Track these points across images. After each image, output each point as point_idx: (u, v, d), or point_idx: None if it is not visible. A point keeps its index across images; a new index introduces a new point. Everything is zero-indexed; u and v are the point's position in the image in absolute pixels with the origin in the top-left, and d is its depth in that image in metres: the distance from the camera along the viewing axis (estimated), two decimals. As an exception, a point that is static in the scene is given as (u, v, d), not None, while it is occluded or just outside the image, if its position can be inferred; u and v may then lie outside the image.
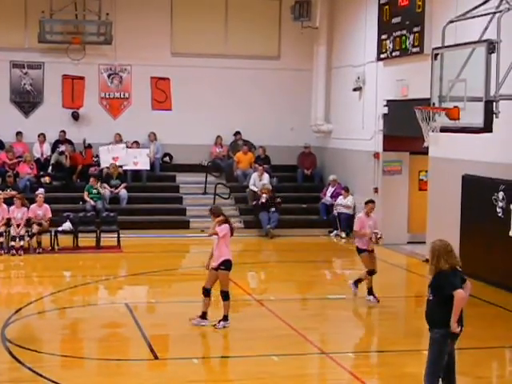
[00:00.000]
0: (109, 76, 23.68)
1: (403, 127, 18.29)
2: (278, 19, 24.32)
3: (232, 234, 12.06)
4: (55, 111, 23.20)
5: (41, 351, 10.84)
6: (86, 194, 20.98)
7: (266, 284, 16.65)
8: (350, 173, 22.12)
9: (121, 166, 22.42)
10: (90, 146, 23.00)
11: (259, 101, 24.08)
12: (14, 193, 19.88)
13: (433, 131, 13.49)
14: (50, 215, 18.73)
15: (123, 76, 23.76)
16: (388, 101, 19.96)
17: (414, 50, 18.30)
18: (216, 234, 11.85)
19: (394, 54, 19.42)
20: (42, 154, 22.88)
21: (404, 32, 18.80)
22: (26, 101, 23.26)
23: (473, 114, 12.64)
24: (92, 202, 20.73)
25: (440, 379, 8.19)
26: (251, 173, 22.82)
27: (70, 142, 22.92)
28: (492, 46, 12.33)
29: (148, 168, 22.94)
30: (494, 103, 12.42)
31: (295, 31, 23.70)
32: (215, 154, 23.90)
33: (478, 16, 13.78)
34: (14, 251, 17.97)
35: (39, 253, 18.22)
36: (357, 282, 14.17)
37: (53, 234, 18.68)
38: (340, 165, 22.78)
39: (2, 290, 15.27)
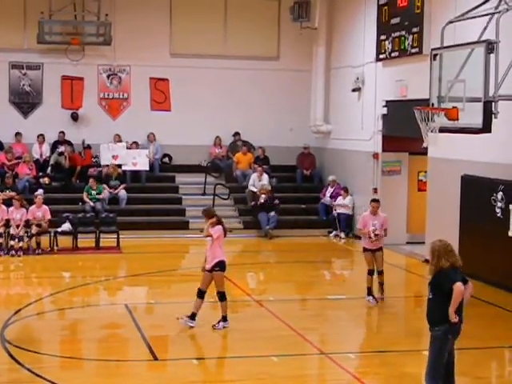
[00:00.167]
0: (108, 77, 23.68)
1: (402, 128, 18.30)
2: (277, 20, 24.33)
3: (225, 235, 12.06)
4: (54, 112, 23.20)
5: (40, 352, 10.84)
6: (85, 194, 20.98)
7: (266, 284, 16.65)
8: (349, 173, 22.12)
9: (120, 166, 22.41)
10: (89, 147, 23.00)
11: (258, 101, 24.09)
12: (13, 194, 19.87)
13: (432, 132, 13.49)
14: (49, 216, 18.73)
15: (122, 77, 23.76)
16: (387, 101, 19.97)
17: (413, 50, 18.30)
18: (210, 235, 11.85)
19: (393, 54, 19.43)
20: (41, 155, 22.88)
21: (403, 33, 18.80)
22: (25, 101, 23.26)
23: (472, 115, 12.65)
24: (91, 203, 20.73)
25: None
26: (250, 173, 22.82)
27: (69, 143, 22.92)
28: (491, 47, 12.33)
29: (147, 169, 22.94)
30: (493, 103, 12.43)
31: (294, 32, 23.70)
32: (214, 154, 23.91)
33: (477, 16, 13.79)
34: (14, 252, 17.97)
35: (38, 254, 18.22)
36: (381, 287, 14.12)
37: (52, 234, 18.69)
38: (339, 165, 22.79)
39: (1, 291, 15.24)
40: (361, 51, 21.47)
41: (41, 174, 22.31)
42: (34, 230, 18.32)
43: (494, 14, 13.17)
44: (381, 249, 14.06)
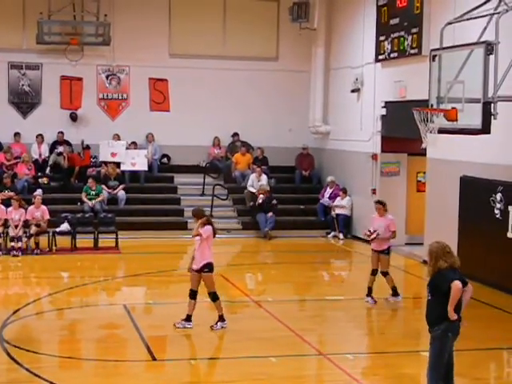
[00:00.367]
0: (107, 77, 23.67)
1: (401, 128, 18.30)
2: (276, 20, 24.33)
3: (214, 236, 12.04)
4: (53, 112, 23.19)
5: (39, 352, 10.84)
6: (84, 194, 20.97)
7: (264, 285, 16.64)
8: (347, 174, 22.12)
9: (118, 166, 22.38)
10: (88, 147, 22.98)
11: (257, 102, 24.09)
12: (11, 194, 19.85)
13: (431, 132, 13.49)
14: (48, 217, 18.72)
15: (121, 77, 23.76)
16: (386, 102, 19.97)
17: (412, 51, 18.30)
18: (200, 235, 11.82)
19: (392, 55, 19.42)
20: (40, 155, 22.88)
21: (402, 33, 18.80)
22: (24, 102, 23.25)
23: (471, 116, 12.64)
24: (90, 203, 20.71)
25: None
26: (249, 174, 22.82)
27: (68, 143, 22.92)
28: (490, 48, 12.34)
29: (146, 169, 22.92)
30: (492, 104, 12.43)
31: (293, 32, 23.68)
32: (213, 155, 23.90)
33: (477, 17, 13.78)
34: (15, 252, 17.95)
35: (37, 254, 18.21)
36: (394, 292, 14.12)
37: (51, 234, 18.68)
38: (338, 166, 22.79)
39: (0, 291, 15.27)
40: (360, 52, 21.47)
41: (40, 174, 22.31)
42: (33, 230, 18.31)
43: (493, 14, 13.17)
44: (386, 251, 14.02)
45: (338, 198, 21.93)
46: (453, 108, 12.93)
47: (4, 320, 12.24)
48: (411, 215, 20.19)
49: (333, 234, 21.75)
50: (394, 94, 19.48)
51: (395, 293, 14.09)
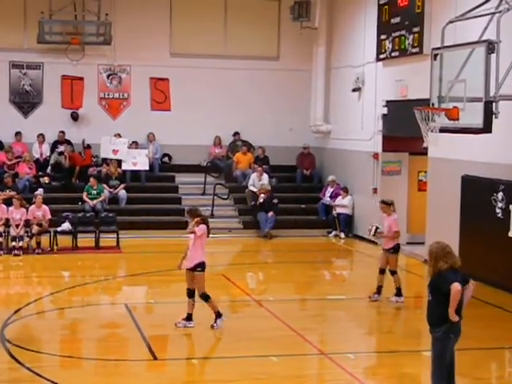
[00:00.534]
0: (108, 76, 23.67)
1: (402, 128, 18.29)
2: (278, 20, 24.32)
3: (208, 235, 12.01)
4: (54, 112, 23.19)
5: (40, 351, 10.83)
6: (85, 194, 20.97)
7: (265, 284, 16.64)
8: (349, 173, 22.11)
9: (120, 166, 22.36)
10: (89, 147, 22.99)
11: (258, 101, 24.08)
12: (12, 193, 19.85)
13: (432, 132, 13.48)
14: (49, 216, 18.73)
15: (122, 76, 23.76)
16: (387, 101, 19.96)
17: (414, 50, 18.28)
18: (194, 232, 11.81)
19: (393, 54, 19.42)
20: (41, 155, 22.89)
21: (403, 32, 18.79)
22: (26, 101, 23.26)
23: (472, 115, 12.63)
24: (91, 203, 20.71)
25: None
26: (250, 173, 22.82)
27: (69, 143, 22.93)
28: (491, 47, 12.32)
29: (147, 168, 22.91)
30: (494, 103, 12.41)
31: (294, 32, 23.68)
32: (214, 154, 23.90)
33: (478, 16, 13.77)
34: (16, 251, 17.95)
35: (38, 253, 18.21)
36: (398, 292, 14.11)
37: (52, 234, 18.68)
38: (339, 165, 22.78)
39: (1, 291, 15.22)
40: (361, 51, 21.45)
41: (41, 173, 22.32)
42: (34, 229, 18.32)
43: (494, 13, 13.15)
44: (392, 250, 14.02)
45: (339, 198, 21.92)
46: (454, 107, 12.92)
47: (5, 319, 12.24)
48: (412, 214, 20.17)
49: (334, 233, 21.75)
50: (396, 93, 19.47)
51: (399, 293, 14.07)
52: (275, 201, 21.76)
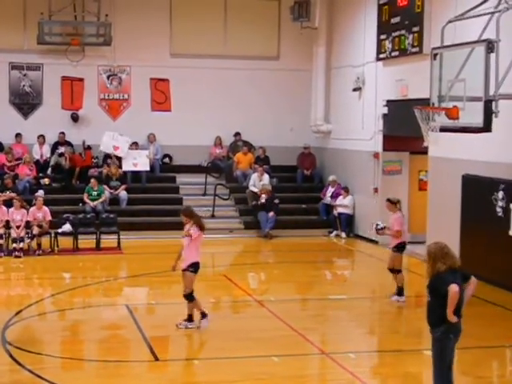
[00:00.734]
0: (108, 77, 23.68)
1: (403, 127, 18.28)
2: (278, 20, 24.32)
3: (203, 231, 11.92)
4: (54, 113, 23.20)
5: (41, 353, 10.85)
6: (85, 195, 20.96)
7: (266, 285, 16.65)
8: (349, 173, 22.11)
9: (120, 167, 22.36)
10: (89, 148, 22.99)
11: (259, 101, 24.08)
12: (13, 195, 19.85)
13: (432, 131, 13.48)
14: (50, 218, 18.74)
15: (122, 77, 23.76)
16: (388, 101, 19.96)
17: (414, 49, 18.28)
18: (190, 235, 11.79)
19: (393, 54, 19.41)
20: (41, 156, 22.89)
21: (403, 32, 18.79)
22: (25, 102, 23.26)
23: (472, 114, 12.63)
24: (92, 204, 20.71)
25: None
26: (251, 173, 22.81)
27: (69, 144, 22.93)
28: (491, 46, 12.32)
29: (148, 169, 22.92)
30: (494, 103, 12.42)
31: (294, 32, 23.68)
32: (215, 154, 23.90)
33: (477, 16, 13.78)
34: (17, 253, 17.96)
35: (39, 255, 18.21)
36: (399, 291, 14.11)
37: (53, 235, 18.68)
38: (340, 165, 22.78)
39: (2, 292, 15.23)
40: (361, 51, 21.45)
41: (41, 174, 22.31)
42: (35, 231, 18.32)
43: (494, 13, 13.16)
44: (396, 248, 14.12)
45: (340, 197, 21.92)
46: (454, 106, 12.93)
47: (6, 321, 12.23)
48: (413, 214, 20.16)
49: (335, 232, 21.75)
50: (396, 93, 19.46)
51: (400, 292, 14.08)
52: (276, 201, 21.76)
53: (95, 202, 20.73)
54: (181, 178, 23.40)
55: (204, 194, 22.77)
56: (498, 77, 12.37)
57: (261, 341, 11.44)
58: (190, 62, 23.50)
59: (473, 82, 12.62)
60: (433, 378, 8.24)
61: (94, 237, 19.08)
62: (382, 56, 20.01)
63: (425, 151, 17.65)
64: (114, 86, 23.73)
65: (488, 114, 12.40)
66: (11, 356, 10.54)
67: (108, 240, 19.23)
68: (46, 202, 19.19)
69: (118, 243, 19.09)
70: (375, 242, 20.18)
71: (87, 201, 20.82)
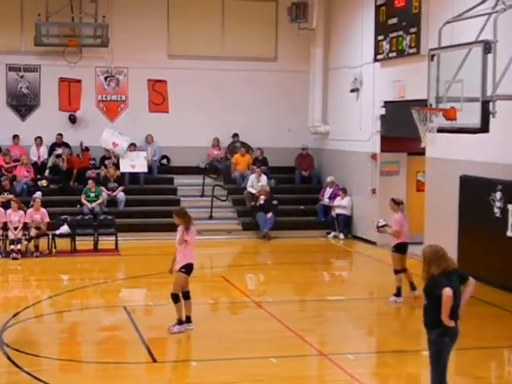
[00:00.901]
0: (105, 79, 23.67)
1: (400, 128, 18.29)
2: (275, 21, 24.31)
3: (189, 225, 11.90)
4: (52, 114, 23.18)
5: (39, 355, 10.83)
6: (83, 197, 20.95)
7: (265, 286, 16.64)
8: (347, 174, 22.11)
9: (118, 168, 22.36)
10: (87, 149, 22.97)
11: (256, 102, 24.08)
12: (10, 196, 19.84)
13: (430, 132, 13.49)
14: (48, 219, 18.72)
15: (120, 78, 23.75)
16: (385, 102, 19.96)
17: (411, 50, 18.29)
18: (186, 241, 11.76)
19: (390, 55, 19.42)
20: (38, 157, 22.87)
21: (400, 33, 18.79)
22: (23, 104, 23.25)
23: (470, 115, 12.65)
24: (89, 205, 20.69)
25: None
26: (249, 175, 22.81)
27: (67, 145, 22.91)
28: (488, 47, 12.35)
29: (145, 170, 22.91)
30: (491, 103, 12.44)
31: (292, 33, 23.67)
32: (213, 156, 23.89)
33: (475, 16, 13.80)
34: (15, 254, 17.94)
35: (37, 256, 18.19)
36: (398, 292, 14.14)
37: (50, 237, 18.65)
38: (338, 166, 22.78)
39: (-1, 294, 15.26)
40: (358, 52, 21.46)
41: (39, 176, 22.29)
42: (33, 232, 18.31)
43: (491, 13, 13.18)
44: (394, 248, 14.28)
45: (338, 198, 21.92)
46: (451, 107, 12.94)
47: (4, 323, 12.22)
48: (411, 214, 20.05)
49: (333, 234, 21.75)
50: (393, 94, 19.47)
51: (398, 293, 14.09)
52: (275, 202, 21.76)
53: (93, 204, 20.73)
54: (179, 180, 23.38)
55: (202, 196, 22.76)
56: (495, 77, 12.40)
57: (259, 342, 11.44)
58: (187, 63, 23.49)
59: (470, 82, 12.64)
60: (430, 379, 8.24)
61: (92, 238, 19.07)
62: (379, 57, 20.02)
63: (422, 152, 17.66)
64: (111, 88, 23.71)
65: (485, 114, 12.42)
66: (9, 358, 10.52)
67: (106, 241, 19.22)
68: (44, 204, 19.18)
69: (116, 245, 19.09)
70: (373, 243, 20.18)
71: (85, 202, 20.80)
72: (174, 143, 23.57)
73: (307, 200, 23.06)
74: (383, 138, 20.32)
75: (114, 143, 22.46)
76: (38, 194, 20.42)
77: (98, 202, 20.85)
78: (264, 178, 22.48)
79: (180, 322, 11.86)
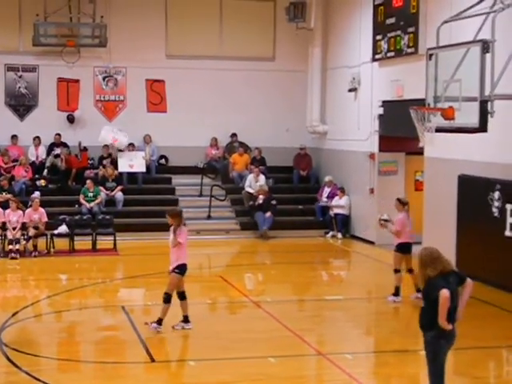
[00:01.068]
0: (104, 78, 23.66)
1: (399, 128, 18.30)
2: (273, 20, 24.31)
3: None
4: (50, 114, 23.17)
5: (38, 355, 10.83)
6: (81, 196, 20.94)
7: (263, 285, 16.64)
8: (345, 173, 22.12)
9: (116, 168, 22.34)
10: (85, 149, 22.97)
11: (254, 102, 24.08)
12: (9, 196, 19.85)
13: (428, 131, 13.50)
14: (46, 219, 18.72)
15: (118, 78, 23.75)
16: (383, 101, 19.97)
17: (409, 50, 18.30)
18: (180, 244, 11.76)
19: (388, 54, 19.43)
20: (37, 157, 22.86)
21: (399, 32, 18.80)
22: (21, 104, 23.24)
23: (468, 114, 12.66)
24: (88, 205, 20.68)
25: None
26: (247, 174, 22.81)
27: (65, 145, 22.91)
28: (486, 46, 12.36)
29: (144, 170, 22.92)
30: (489, 103, 12.45)
31: (290, 32, 23.68)
32: (211, 155, 23.89)
33: (473, 16, 13.81)
34: (13, 254, 17.93)
35: (35, 256, 18.19)
36: (396, 292, 14.17)
37: (49, 237, 18.65)
38: (336, 166, 22.79)
39: (-2, 294, 15.26)
40: (357, 51, 21.46)
41: (37, 176, 22.28)
42: (31, 232, 18.30)
43: (489, 13, 13.19)
44: (396, 248, 14.21)
45: (336, 198, 21.93)
46: (450, 107, 12.96)
47: (3, 323, 12.22)
48: (409, 214, 20.13)
49: (331, 233, 21.75)
50: (391, 94, 19.48)
51: (396, 293, 14.10)
52: (273, 202, 21.77)
53: (91, 204, 20.73)
54: (177, 179, 23.38)
55: (200, 195, 22.75)
56: (493, 77, 12.40)
57: (257, 342, 11.44)
58: (185, 63, 23.49)
59: (468, 82, 12.65)
60: (428, 379, 8.24)
61: (90, 238, 19.08)
62: (377, 56, 20.03)
63: (421, 152, 17.67)
64: (109, 88, 23.71)
65: (484, 114, 12.43)
66: (8, 358, 10.51)
67: (104, 241, 19.21)
68: (42, 204, 19.18)
69: (114, 244, 19.08)
70: (371, 243, 20.20)
71: (83, 202, 20.80)
72: (172, 143, 23.57)
73: (305, 200, 23.06)
74: (381, 137, 20.33)
75: (113, 138, 22.47)
76: (37, 193, 20.41)
77: (97, 201, 20.85)
78: (262, 177, 22.49)
79: (159, 322, 11.82)
